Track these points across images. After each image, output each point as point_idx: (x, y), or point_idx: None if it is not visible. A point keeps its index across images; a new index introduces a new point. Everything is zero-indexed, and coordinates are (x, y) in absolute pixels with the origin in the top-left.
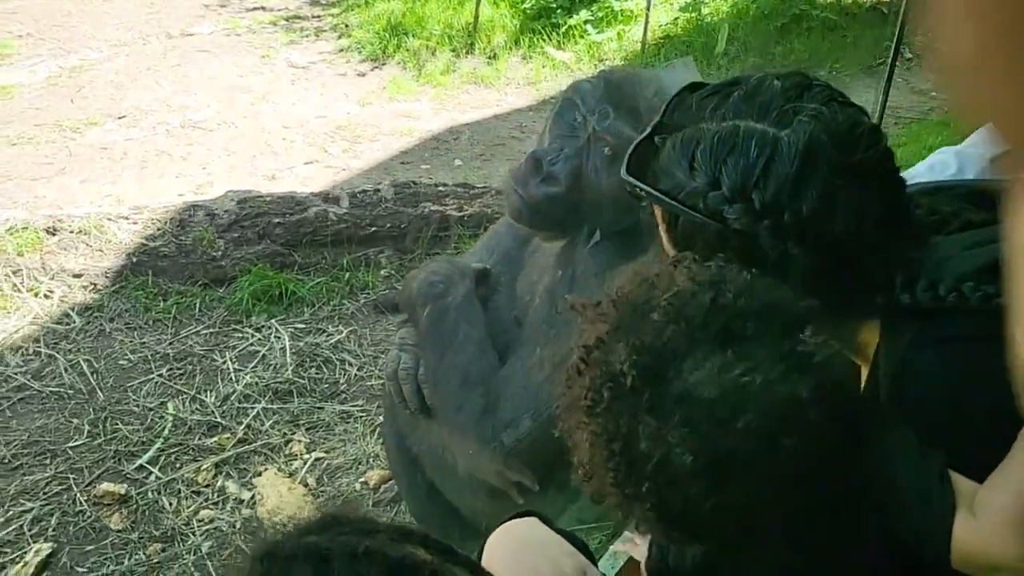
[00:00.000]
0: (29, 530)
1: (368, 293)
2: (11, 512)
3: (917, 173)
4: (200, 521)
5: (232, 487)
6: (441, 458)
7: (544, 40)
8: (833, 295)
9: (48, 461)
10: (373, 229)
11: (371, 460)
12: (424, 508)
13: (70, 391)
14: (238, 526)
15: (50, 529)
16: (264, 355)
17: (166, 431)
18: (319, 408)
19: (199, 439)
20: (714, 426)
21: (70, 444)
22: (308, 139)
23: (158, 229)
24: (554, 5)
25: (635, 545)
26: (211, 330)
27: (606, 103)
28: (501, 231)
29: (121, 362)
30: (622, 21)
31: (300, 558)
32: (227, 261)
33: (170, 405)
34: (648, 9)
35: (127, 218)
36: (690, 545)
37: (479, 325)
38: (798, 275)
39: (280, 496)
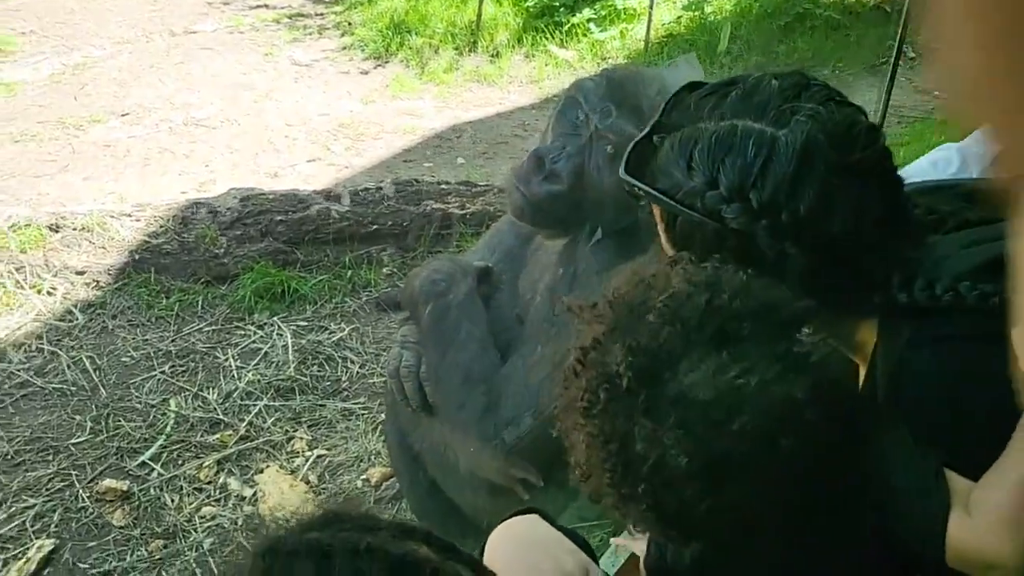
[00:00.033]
0: (31, 526)
1: (370, 291)
2: (13, 508)
3: (919, 168)
4: (202, 518)
5: (234, 484)
6: (443, 456)
7: (547, 38)
8: (831, 294)
9: (51, 457)
10: (375, 227)
11: (373, 457)
12: (425, 505)
13: (73, 388)
14: (240, 523)
15: (52, 525)
16: (266, 352)
17: (168, 428)
18: (321, 405)
19: (201, 436)
20: (709, 428)
21: (72, 441)
22: (311, 137)
23: (161, 226)
24: (557, 3)
25: (636, 539)
26: (213, 327)
27: (609, 101)
28: (503, 229)
29: (123, 359)
30: (625, 19)
31: (302, 554)
32: (229, 258)
33: (172, 402)
34: (651, 7)
35: (130, 215)
36: (687, 545)
37: (481, 323)
38: (796, 274)
39: (282, 493)
